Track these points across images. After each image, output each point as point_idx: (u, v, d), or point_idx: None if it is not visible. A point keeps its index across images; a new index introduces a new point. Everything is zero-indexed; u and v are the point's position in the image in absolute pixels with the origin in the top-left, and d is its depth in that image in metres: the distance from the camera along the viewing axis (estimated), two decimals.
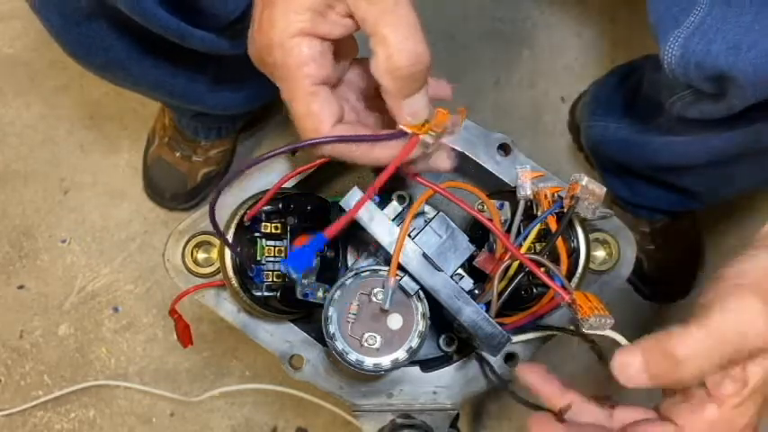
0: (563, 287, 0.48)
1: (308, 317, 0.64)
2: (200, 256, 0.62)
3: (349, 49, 0.45)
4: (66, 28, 0.67)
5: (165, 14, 0.65)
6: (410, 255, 0.51)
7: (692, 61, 0.61)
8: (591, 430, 0.44)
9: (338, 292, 0.53)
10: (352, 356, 0.53)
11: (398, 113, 0.43)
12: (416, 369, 0.63)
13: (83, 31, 0.68)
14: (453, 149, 0.50)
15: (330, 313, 0.52)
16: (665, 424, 0.42)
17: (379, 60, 0.39)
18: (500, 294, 0.52)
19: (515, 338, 0.56)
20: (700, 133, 0.80)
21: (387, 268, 0.51)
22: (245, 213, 0.56)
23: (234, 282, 0.55)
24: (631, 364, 0.41)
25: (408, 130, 0.44)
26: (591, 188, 0.50)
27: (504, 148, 0.63)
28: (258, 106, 1.08)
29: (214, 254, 0.61)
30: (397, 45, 0.39)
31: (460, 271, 0.55)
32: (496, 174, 0.62)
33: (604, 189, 0.51)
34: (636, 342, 0.41)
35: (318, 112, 0.41)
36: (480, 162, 0.62)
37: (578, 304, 0.46)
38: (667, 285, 1.16)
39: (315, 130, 0.42)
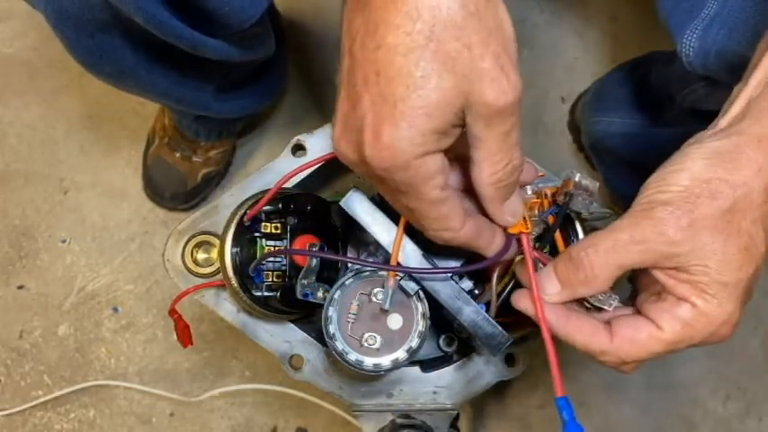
0: None
1: (308, 317, 0.64)
2: (200, 256, 0.62)
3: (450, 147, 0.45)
4: (79, 39, 0.67)
5: (180, 25, 0.65)
6: (410, 254, 0.51)
7: (713, 50, 0.61)
8: (582, 318, 0.46)
9: (338, 292, 0.53)
10: (352, 356, 0.53)
11: (499, 217, 0.45)
12: (416, 369, 0.63)
13: (96, 43, 0.68)
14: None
15: (330, 313, 0.52)
16: (647, 321, 0.44)
17: (483, 174, 0.41)
18: (499, 294, 0.52)
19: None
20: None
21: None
22: (245, 213, 0.56)
23: (234, 282, 0.55)
24: (546, 277, 0.45)
25: (514, 232, 0.47)
26: (584, 184, 0.50)
27: None
28: (260, 110, 1.08)
29: (214, 254, 0.61)
30: (503, 162, 0.40)
31: None
32: None
33: (597, 184, 0.51)
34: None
35: (448, 214, 0.42)
36: None
37: None
38: None
39: (447, 230, 0.43)
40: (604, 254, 0.42)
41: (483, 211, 0.45)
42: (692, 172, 0.41)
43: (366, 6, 0.38)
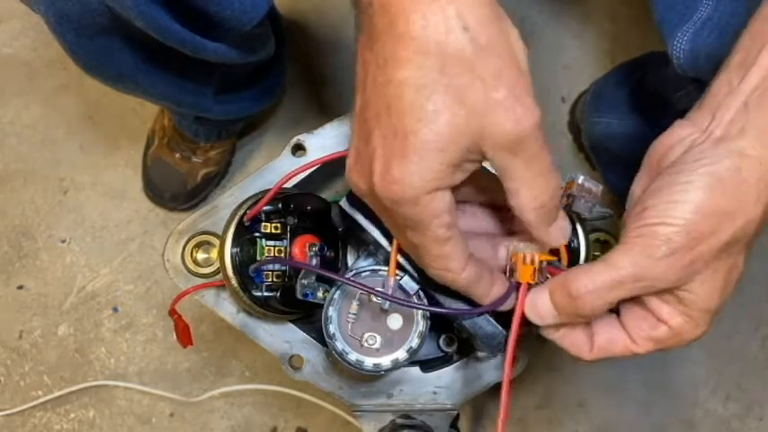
0: None
1: (308, 317, 0.64)
2: (200, 256, 0.62)
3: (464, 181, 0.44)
4: (79, 43, 0.67)
5: (181, 29, 0.65)
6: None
7: (703, 54, 0.61)
8: (568, 332, 0.47)
9: (338, 292, 0.53)
10: (352, 357, 0.53)
11: (548, 239, 0.44)
12: (416, 369, 0.63)
13: (96, 46, 0.68)
14: None
15: (330, 313, 0.52)
16: (623, 333, 0.45)
17: (524, 201, 0.40)
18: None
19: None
20: None
21: (386, 268, 0.51)
22: (245, 213, 0.55)
23: (234, 282, 0.55)
24: (540, 302, 0.44)
25: (522, 281, 0.46)
26: (587, 186, 0.50)
27: None
28: (260, 111, 1.09)
29: (214, 254, 0.61)
30: (539, 186, 0.40)
31: None
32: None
33: (601, 187, 0.51)
34: (546, 282, 0.45)
35: (451, 254, 0.42)
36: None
37: None
38: None
39: (448, 270, 0.43)
40: (605, 292, 0.42)
41: (490, 261, 0.45)
42: (695, 204, 0.40)
43: (375, 42, 0.37)
